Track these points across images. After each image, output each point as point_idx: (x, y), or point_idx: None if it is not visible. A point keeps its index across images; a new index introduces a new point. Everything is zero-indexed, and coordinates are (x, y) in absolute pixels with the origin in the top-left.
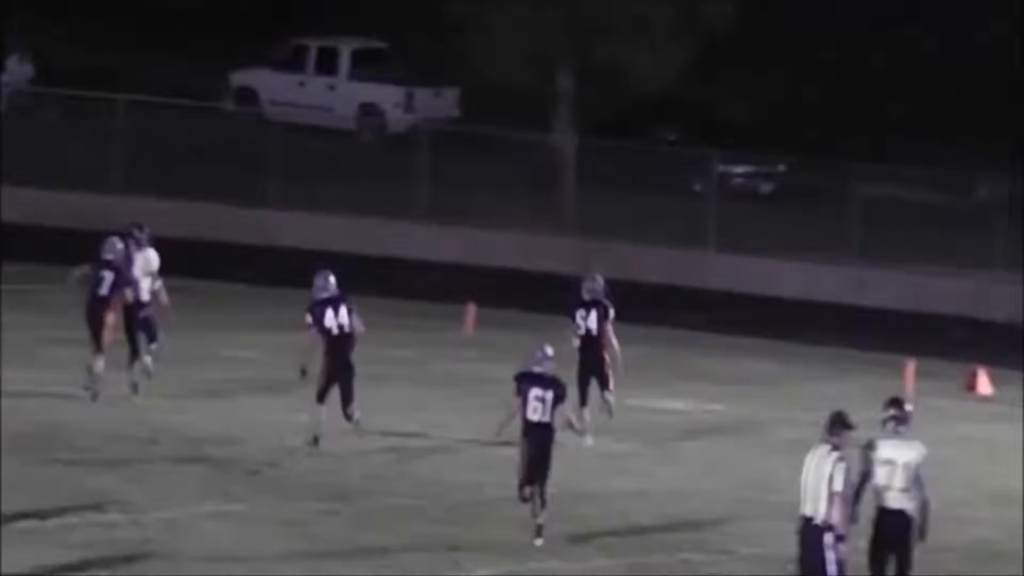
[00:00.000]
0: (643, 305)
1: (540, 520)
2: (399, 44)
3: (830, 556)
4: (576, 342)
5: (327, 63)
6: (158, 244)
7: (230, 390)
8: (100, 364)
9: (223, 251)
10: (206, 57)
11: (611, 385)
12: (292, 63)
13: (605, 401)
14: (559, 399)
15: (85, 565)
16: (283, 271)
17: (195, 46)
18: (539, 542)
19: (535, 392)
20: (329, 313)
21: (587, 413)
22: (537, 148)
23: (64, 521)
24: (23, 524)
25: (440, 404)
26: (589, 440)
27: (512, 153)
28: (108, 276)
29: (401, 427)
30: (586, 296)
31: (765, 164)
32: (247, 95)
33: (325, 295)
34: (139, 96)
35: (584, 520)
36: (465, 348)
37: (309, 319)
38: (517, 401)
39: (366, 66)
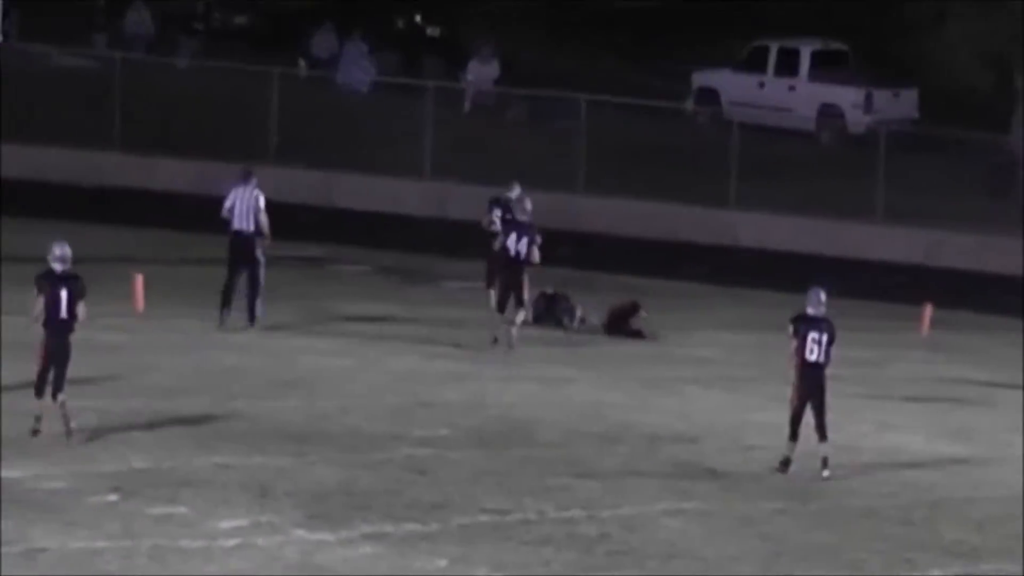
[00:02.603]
0: None
1: (826, 453)
2: (858, 46)
3: None
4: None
5: (787, 64)
6: (620, 244)
7: (689, 389)
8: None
9: (683, 251)
10: (669, 57)
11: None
12: (752, 64)
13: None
14: (832, 340)
15: (544, 561)
16: (742, 271)
17: (658, 46)
18: (826, 473)
19: (812, 335)
20: (513, 236)
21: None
22: (994, 150)
23: (524, 516)
24: (484, 519)
25: (895, 404)
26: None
27: (969, 155)
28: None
29: (854, 427)
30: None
31: None
32: (708, 95)
33: (523, 218)
34: (601, 96)
35: None
36: (921, 349)
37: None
38: (795, 343)
39: (826, 67)
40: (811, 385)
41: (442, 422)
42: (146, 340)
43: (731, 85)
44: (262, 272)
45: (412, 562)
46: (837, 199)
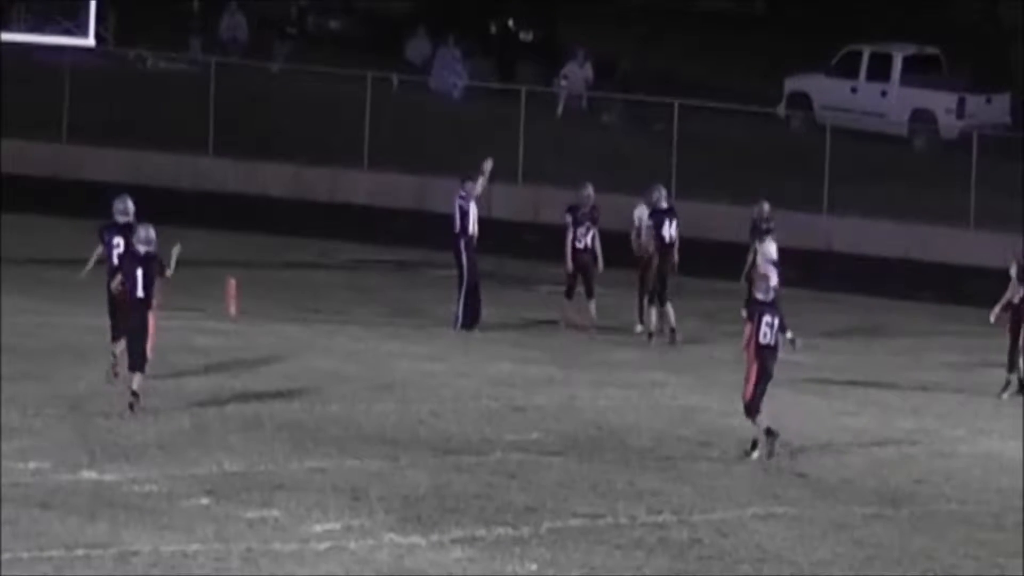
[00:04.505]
0: None
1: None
2: (951, 50)
3: None
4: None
5: (880, 69)
6: (712, 248)
7: (781, 393)
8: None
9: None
10: (761, 62)
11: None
12: (845, 69)
13: None
14: (782, 324)
15: (636, 565)
16: (835, 276)
17: (751, 51)
18: (755, 455)
19: (766, 319)
20: (665, 224)
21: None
22: None
23: (615, 521)
24: (575, 523)
25: (989, 410)
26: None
27: None
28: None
29: (950, 432)
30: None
31: None
32: (800, 100)
33: (662, 206)
34: (693, 100)
35: None
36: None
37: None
38: (751, 328)
39: (918, 72)
40: (762, 368)
41: (534, 426)
42: (241, 343)
43: (823, 89)
44: (464, 273)
45: (503, 566)
46: (929, 204)
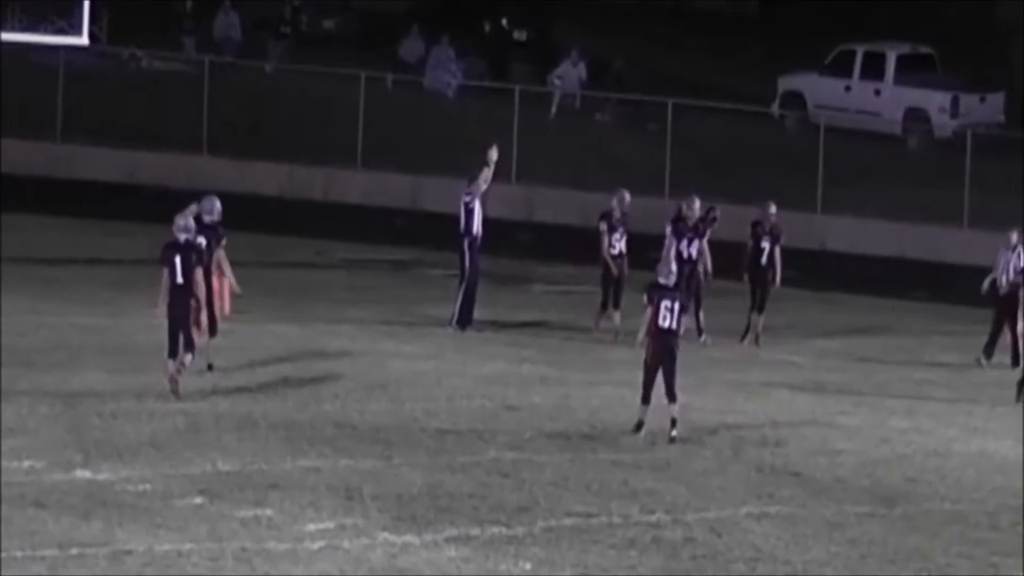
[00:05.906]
0: None
1: (674, 414)
2: (945, 49)
3: None
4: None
5: (873, 68)
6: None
7: (776, 393)
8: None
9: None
10: (756, 61)
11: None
12: (838, 68)
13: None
14: (684, 308)
15: (629, 564)
16: (829, 276)
17: (745, 50)
18: (674, 433)
19: (665, 303)
20: (684, 242)
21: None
22: None
23: (609, 520)
24: (568, 522)
25: (983, 409)
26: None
27: None
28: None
29: (943, 432)
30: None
31: None
32: (794, 99)
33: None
34: (687, 100)
35: None
36: (1009, 354)
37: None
38: (650, 311)
39: (912, 71)
40: (663, 350)
41: (528, 425)
42: (235, 343)
43: (817, 89)
44: (466, 273)
45: (497, 565)
46: (923, 203)
